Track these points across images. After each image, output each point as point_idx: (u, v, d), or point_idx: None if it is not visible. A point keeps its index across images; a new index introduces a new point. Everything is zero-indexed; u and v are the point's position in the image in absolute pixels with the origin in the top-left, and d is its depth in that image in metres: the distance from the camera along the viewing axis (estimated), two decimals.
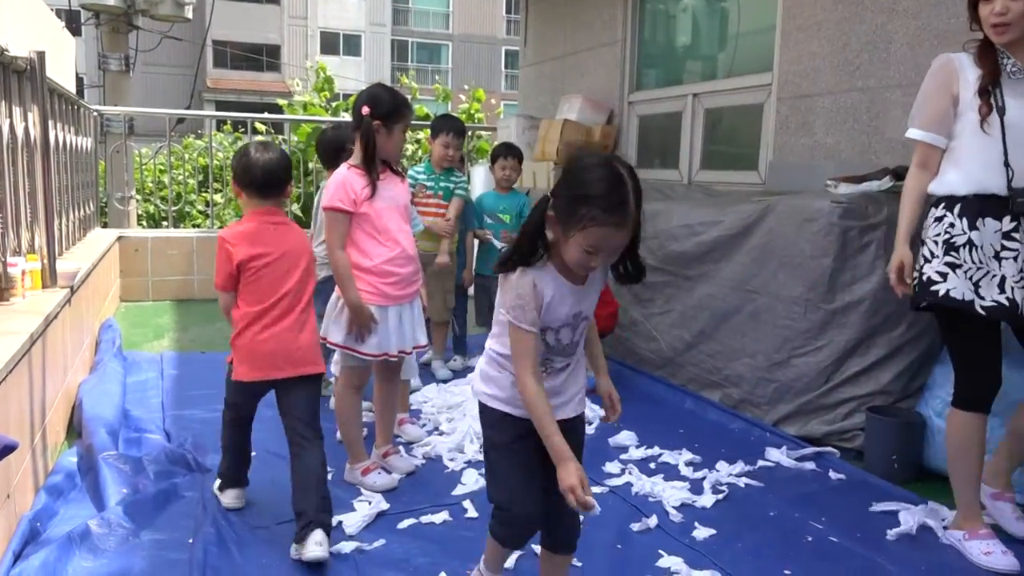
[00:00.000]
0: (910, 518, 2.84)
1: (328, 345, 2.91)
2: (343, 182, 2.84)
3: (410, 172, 4.31)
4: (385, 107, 2.85)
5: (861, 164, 4.14)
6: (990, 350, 2.65)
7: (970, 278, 2.59)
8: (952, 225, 2.64)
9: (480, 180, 7.03)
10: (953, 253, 2.62)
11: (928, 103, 2.73)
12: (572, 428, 1.98)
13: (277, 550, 2.51)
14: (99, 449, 2.97)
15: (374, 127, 2.83)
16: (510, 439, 1.98)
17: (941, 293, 2.62)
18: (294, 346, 2.55)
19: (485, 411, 2.02)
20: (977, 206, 2.60)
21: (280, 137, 11.33)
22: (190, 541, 2.54)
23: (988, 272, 2.59)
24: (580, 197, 1.75)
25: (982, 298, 2.57)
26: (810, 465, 3.36)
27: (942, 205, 2.69)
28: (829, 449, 3.48)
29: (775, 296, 3.78)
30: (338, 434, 3.34)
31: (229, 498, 2.79)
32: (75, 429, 3.43)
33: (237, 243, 2.52)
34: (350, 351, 2.93)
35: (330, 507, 2.53)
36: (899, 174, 3.74)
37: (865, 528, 2.82)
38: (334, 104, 13.16)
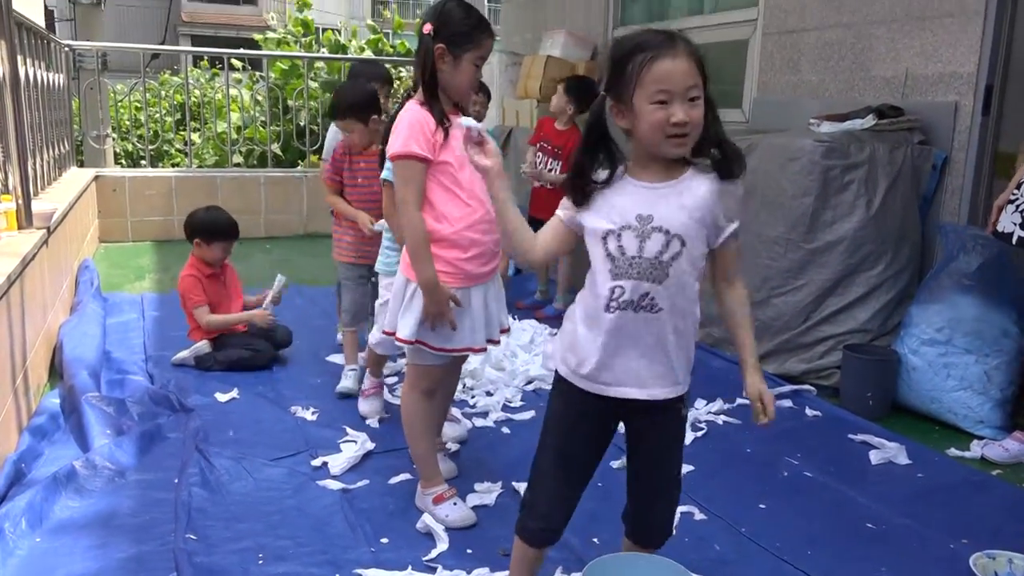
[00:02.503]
0: (881, 453, 2.91)
1: (397, 342, 2.35)
2: (417, 121, 2.21)
3: None
4: (453, 27, 2.23)
5: (845, 102, 4.12)
6: None
7: None
8: None
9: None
10: None
11: None
12: (651, 422, 1.69)
13: (263, 489, 2.55)
14: (81, 390, 2.98)
15: (435, 53, 2.24)
16: (566, 416, 1.74)
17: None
18: None
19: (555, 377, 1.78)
20: None
21: (258, 73, 11.11)
22: (175, 481, 2.56)
23: None
24: (626, 54, 1.56)
25: None
26: (787, 403, 3.42)
27: None
28: (806, 387, 3.54)
29: (756, 235, 3.79)
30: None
31: None
32: (57, 371, 3.42)
33: None
34: (427, 347, 2.31)
35: None
36: (882, 112, 3.73)
37: (839, 463, 2.88)
38: (306, 39, 12.83)
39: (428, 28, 2.23)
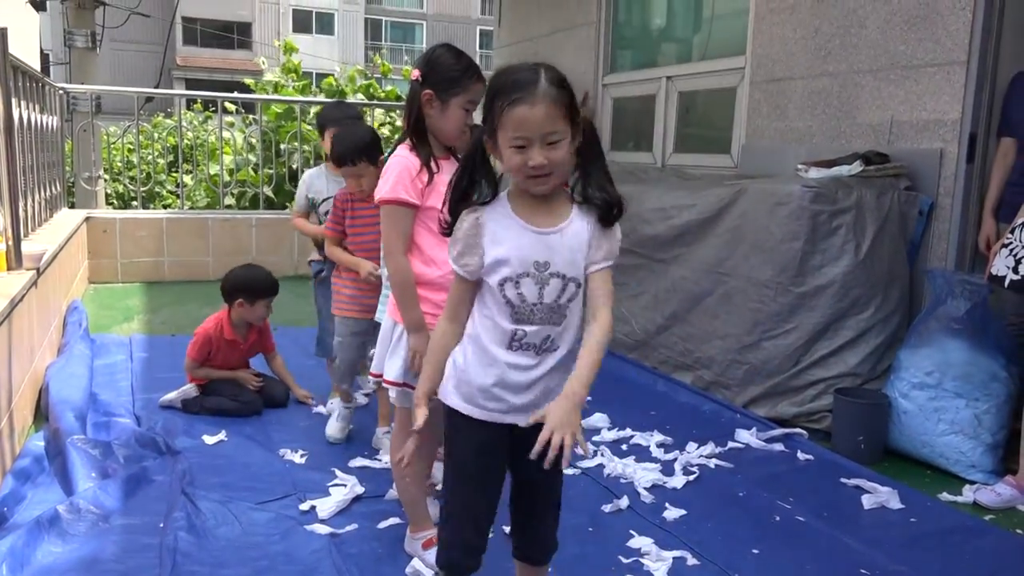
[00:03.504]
0: (874, 498, 2.90)
1: (384, 384, 2.35)
2: (404, 167, 2.25)
3: None
4: (441, 73, 2.28)
5: (832, 149, 4.18)
6: None
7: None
8: None
9: None
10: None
11: None
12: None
13: (250, 534, 2.51)
14: (67, 433, 2.94)
15: (423, 98, 2.28)
16: (468, 453, 1.79)
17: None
18: None
19: (446, 409, 1.81)
20: None
21: (251, 116, 11.20)
22: (161, 525, 2.52)
23: None
24: (491, 97, 1.65)
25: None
26: (779, 446, 3.41)
27: None
28: (798, 430, 3.53)
29: (746, 279, 3.82)
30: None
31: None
32: (42, 413, 3.38)
33: None
34: (413, 390, 2.12)
35: None
36: (868, 159, 3.78)
37: (832, 508, 2.86)
38: (300, 84, 12.96)
39: (416, 74, 2.30)
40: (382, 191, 2.27)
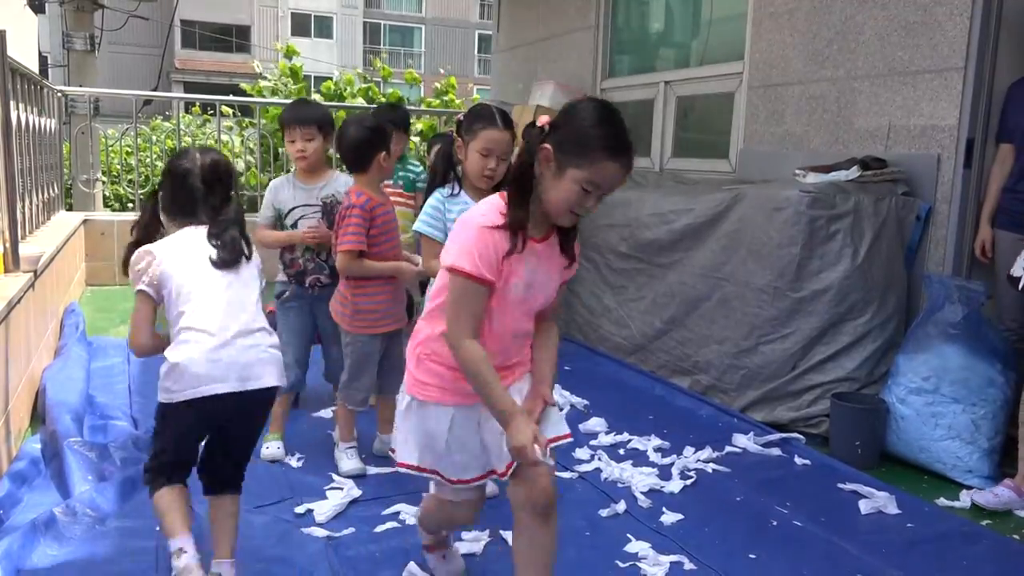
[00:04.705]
0: (871, 502, 2.90)
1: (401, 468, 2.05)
2: (491, 241, 1.81)
3: None
4: (575, 131, 1.81)
5: (830, 154, 4.19)
6: None
7: None
8: None
9: None
10: None
11: None
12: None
13: (246, 537, 2.50)
14: (63, 435, 2.94)
15: (540, 152, 1.83)
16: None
17: None
18: None
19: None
20: None
21: (247, 119, 11.20)
22: (157, 528, 2.51)
23: None
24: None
25: None
26: (776, 451, 3.41)
27: None
28: (795, 435, 3.53)
29: (744, 284, 3.82)
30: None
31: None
32: (39, 415, 3.38)
33: None
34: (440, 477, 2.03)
35: None
36: (866, 164, 3.79)
37: (829, 512, 2.86)
38: (296, 87, 12.97)
39: (544, 120, 1.88)
40: (456, 257, 1.82)
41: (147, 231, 2.27)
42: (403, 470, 2.01)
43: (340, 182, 3.23)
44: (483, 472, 1.99)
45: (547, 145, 1.80)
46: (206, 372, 2.03)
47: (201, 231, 2.18)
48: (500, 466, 1.93)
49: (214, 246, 2.15)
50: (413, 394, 1.97)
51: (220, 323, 2.08)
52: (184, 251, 2.15)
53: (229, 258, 2.15)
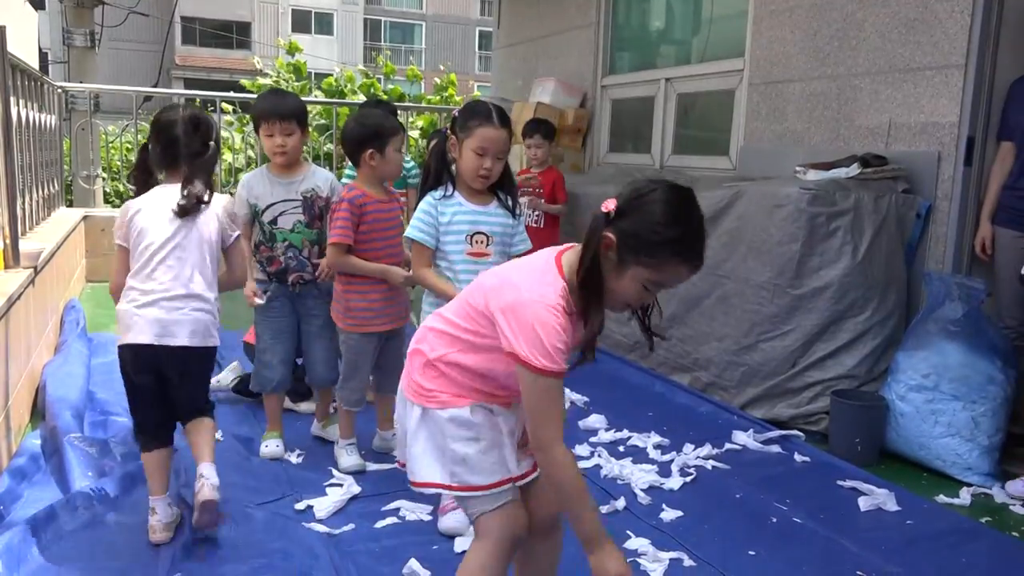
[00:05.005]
0: (871, 499, 2.90)
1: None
2: (559, 327, 1.61)
3: None
4: (639, 226, 1.63)
5: (830, 151, 4.18)
6: None
7: None
8: None
9: None
10: None
11: None
12: None
13: (247, 533, 2.50)
14: (63, 431, 2.94)
15: (603, 240, 1.64)
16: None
17: None
18: None
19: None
20: None
21: (248, 116, 11.19)
22: None
23: None
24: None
25: None
26: (776, 448, 3.41)
27: None
28: (795, 432, 3.53)
29: (744, 281, 3.82)
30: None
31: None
32: (39, 411, 3.38)
33: None
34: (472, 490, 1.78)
35: None
36: (866, 161, 3.79)
37: (828, 509, 2.87)
38: (299, 84, 12.97)
39: (610, 206, 1.65)
40: (537, 358, 1.59)
41: (139, 184, 2.55)
42: (430, 490, 1.81)
43: (319, 176, 3.16)
44: (508, 476, 1.79)
45: (610, 234, 1.61)
46: (133, 324, 2.37)
47: (177, 187, 2.45)
48: (517, 471, 1.80)
49: (182, 195, 2.42)
50: (426, 404, 1.77)
51: (156, 283, 2.38)
52: (155, 205, 2.45)
53: (187, 205, 2.41)
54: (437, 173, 2.66)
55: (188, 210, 2.41)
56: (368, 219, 2.94)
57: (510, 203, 2.72)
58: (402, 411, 1.85)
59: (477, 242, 2.64)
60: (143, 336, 2.35)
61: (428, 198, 2.64)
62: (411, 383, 1.81)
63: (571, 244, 1.75)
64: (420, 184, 2.77)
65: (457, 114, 2.66)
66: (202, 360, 2.49)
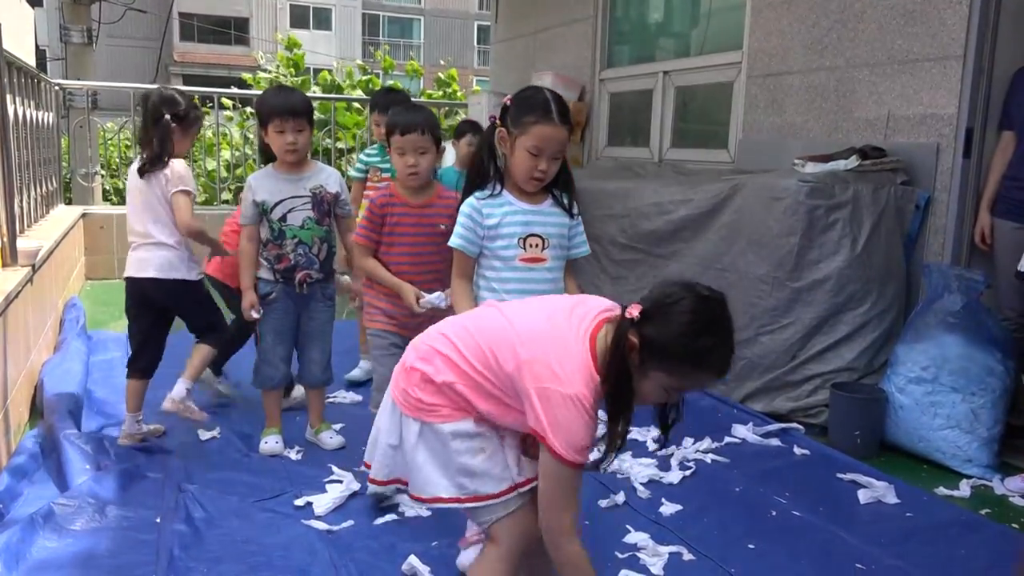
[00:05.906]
0: (870, 492, 2.90)
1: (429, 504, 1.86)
2: (589, 420, 1.66)
3: (362, 156, 4.21)
4: (666, 329, 1.63)
5: (829, 143, 4.17)
6: None
7: None
8: None
9: (450, 157, 6.98)
10: None
11: None
12: None
13: (245, 530, 2.50)
14: (62, 429, 2.94)
15: (628, 340, 1.65)
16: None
17: None
18: None
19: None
20: None
21: (248, 110, 11.18)
22: (157, 520, 2.52)
23: None
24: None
25: None
26: (775, 441, 3.41)
27: None
28: (794, 425, 3.53)
29: (743, 274, 3.81)
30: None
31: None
32: (38, 409, 3.38)
33: None
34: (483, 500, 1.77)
35: None
36: (865, 153, 3.78)
37: (828, 502, 2.87)
38: (300, 79, 12.96)
39: (635, 312, 1.63)
40: (569, 450, 1.61)
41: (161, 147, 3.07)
42: (439, 506, 1.78)
43: (325, 173, 3.15)
44: (514, 483, 1.78)
45: (633, 338, 1.59)
46: (126, 261, 3.09)
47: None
48: (519, 477, 1.78)
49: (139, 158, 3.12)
50: (426, 419, 1.74)
51: (132, 229, 3.08)
52: (131, 170, 3.16)
53: (142, 166, 3.04)
54: (484, 171, 2.34)
55: (143, 171, 3.02)
56: (390, 221, 2.83)
57: (566, 201, 2.40)
58: (387, 420, 1.82)
59: (532, 246, 2.33)
60: (129, 270, 3.07)
61: (471, 200, 2.32)
62: (408, 398, 1.76)
63: (604, 312, 1.72)
64: (466, 181, 2.41)
65: (510, 103, 2.30)
66: (178, 289, 3.05)
